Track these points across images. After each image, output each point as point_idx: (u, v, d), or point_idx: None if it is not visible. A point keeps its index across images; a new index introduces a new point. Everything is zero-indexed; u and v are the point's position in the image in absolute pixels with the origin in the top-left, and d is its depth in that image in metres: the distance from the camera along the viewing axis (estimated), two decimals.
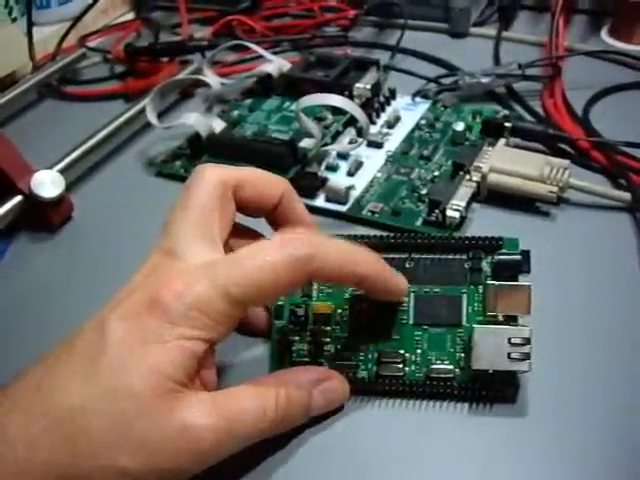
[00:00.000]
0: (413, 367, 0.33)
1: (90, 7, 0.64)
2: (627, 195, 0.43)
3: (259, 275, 0.28)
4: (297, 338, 0.34)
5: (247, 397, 0.29)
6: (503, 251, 0.33)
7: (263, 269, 0.28)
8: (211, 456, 0.27)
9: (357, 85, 0.51)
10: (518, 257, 0.33)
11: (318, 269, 0.29)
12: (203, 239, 0.30)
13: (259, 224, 0.35)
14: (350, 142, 0.48)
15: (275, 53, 0.58)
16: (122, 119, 0.52)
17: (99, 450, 0.26)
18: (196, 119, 0.48)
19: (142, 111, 0.51)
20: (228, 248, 0.32)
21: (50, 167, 0.46)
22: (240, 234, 0.33)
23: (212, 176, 0.31)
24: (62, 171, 0.46)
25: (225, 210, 0.31)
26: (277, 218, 0.34)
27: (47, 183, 0.44)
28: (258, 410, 0.29)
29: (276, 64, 0.54)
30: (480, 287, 0.33)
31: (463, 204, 0.41)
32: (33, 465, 0.26)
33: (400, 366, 0.33)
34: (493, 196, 0.44)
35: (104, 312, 0.28)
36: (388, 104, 0.53)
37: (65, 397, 0.26)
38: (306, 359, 0.34)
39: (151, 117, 0.49)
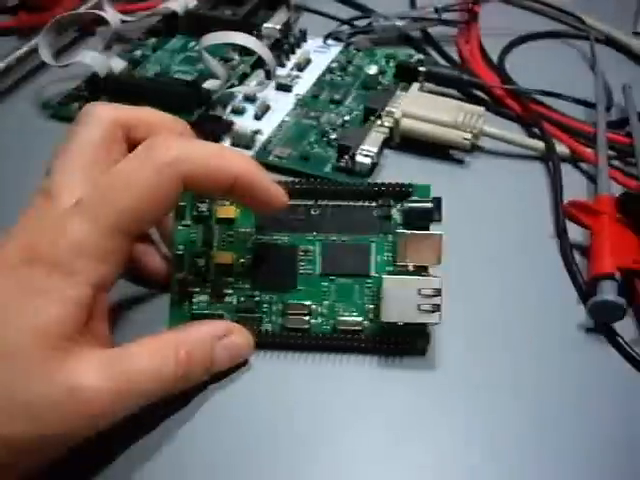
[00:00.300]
0: (320, 319, 0.32)
1: None
2: (541, 144, 0.42)
3: (130, 197, 0.26)
4: (198, 289, 0.32)
5: (143, 355, 0.27)
6: (414, 198, 0.32)
7: (132, 190, 0.26)
8: (102, 420, 0.25)
9: (266, 25, 0.49)
10: (429, 204, 0.31)
11: (189, 171, 0.27)
12: (83, 179, 0.28)
13: None
14: (258, 84, 0.46)
15: None
16: (13, 57, 0.48)
17: None
18: (94, 58, 0.45)
19: (36, 49, 0.47)
20: None
21: None
22: None
23: (100, 115, 0.29)
24: None
25: (112, 151, 0.29)
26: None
27: None
28: (155, 369, 0.27)
29: (182, 1, 0.51)
30: (390, 236, 0.32)
31: (374, 150, 0.40)
32: None
33: (306, 318, 0.31)
34: (406, 142, 0.42)
35: None
36: (298, 46, 0.50)
37: None
38: (207, 312, 0.32)
39: (44, 55, 0.46)
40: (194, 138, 0.30)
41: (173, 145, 0.27)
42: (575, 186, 0.40)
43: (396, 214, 0.32)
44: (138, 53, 0.49)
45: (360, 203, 0.32)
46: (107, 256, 0.26)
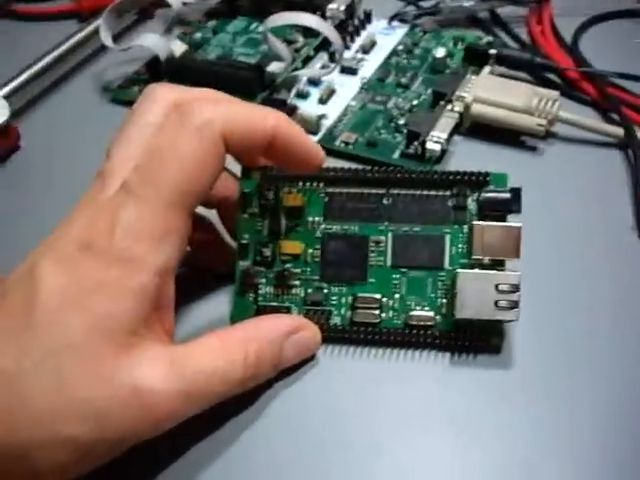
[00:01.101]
0: (390, 313, 0.30)
1: None
2: (619, 130, 0.40)
3: (173, 169, 0.25)
4: (263, 280, 0.31)
5: (210, 355, 0.26)
6: (491, 188, 0.30)
7: (174, 160, 0.25)
8: (166, 422, 0.24)
9: (330, 6, 0.48)
10: (507, 195, 0.30)
11: (226, 128, 0.26)
12: None
13: None
14: (322, 67, 0.44)
15: None
16: (74, 40, 0.48)
17: (39, 419, 0.23)
18: (154, 41, 0.44)
19: (96, 32, 0.47)
20: None
21: None
22: None
23: (163, 97, 0.28)
24: (7, 97, 0.42)
25: None
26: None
27: None
28: (223, 371, 0.26)
29: None
30: (465, 227, 0.30)
31: (444, 136, 0.38)
32: None
33: (376, 312, 0.30)
34: (476, 128, 0.41)
35: (34, 257, 0.25)
36: (363, 28, 0.49)
37: None
38: (273, 304, 0.31)
39: (105, 38, 0.45)
40: (228, 99, 0.29)
41: (205, 106, 0.26)
42: None
43: (472, 204, 0.30)
44: (199, 36, 0.49)
45: (434, 192, 0.31)
46: (165, 236, 0.25)
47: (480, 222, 0.29)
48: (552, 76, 0.45)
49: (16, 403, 0.22)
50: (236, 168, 0.31)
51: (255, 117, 0.27)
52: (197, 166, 0.25)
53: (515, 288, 0.28)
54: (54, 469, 0.23)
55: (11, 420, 0.22)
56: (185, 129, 0.26)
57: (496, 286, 0.28)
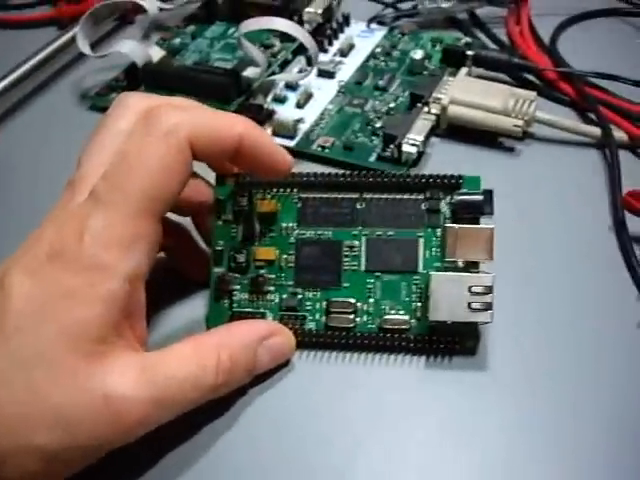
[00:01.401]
0: (365, 317, 0.30)
1: None
2: (597, 130, 0.41)
3: (141, 176, 0.25)
4: (238, 287, 0.31)
5: (182, 362, 0.26)
6: (463, 190, 0.30)
7: (141, 167, 0.25)
8: (137, 429, 0.24)
9: (307, 9, 0.48)
10: (480, 197, 0.30)
11: (192, 134, 0.26)
12: None
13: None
14: (300, 71, 0.45)
15: None
16: (52, 48, 0.48)
17: (9, 428, 0.23)
18: (132, 47, 0.44)
19: (74, 39, 0.47)
20: None
21: None
22: None
23: (135, 105, 0.28)
24: None
25: None
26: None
27: None
28: (196, 377, 0.26)
29: None
30: (438, 230, 0.30)
31: (421, 138, 0.38)
32: None
33: (351, 317, 0.30)
34: (454, 130, 0.41)
35: (5, 266, 0.25)
36: (341, 31, 0.49)
37: None
38: (248, 310, 0.31)
39: (82, 45, 0.45)
40: (195, 105, 0.29)
41: (171, 113, 0.26)
42: (634, 175, 0.38)
43: (445, 207, 0.30)
44: (177, 41, 0.49)
45: (407, 196, 0.31)
46: (134, 243, 0.25)
47: (453, 225, 0.29)
48: (530, 77, 0.45)
49: None
50: (210, 176, 0.31)
51: (222, 123, 0.27)
52: (164, 172, 0.25)
53: (488, 290, 0.28)
54: (23, 478, 0.23)
55: None
56: (151, 135, 0.26)
57: (469, 288, 0.28)
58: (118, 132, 0.27)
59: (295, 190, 0.31)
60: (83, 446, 0.23)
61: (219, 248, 0.31)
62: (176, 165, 0.26)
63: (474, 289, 0.28)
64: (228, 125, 0.27)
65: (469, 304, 0.28)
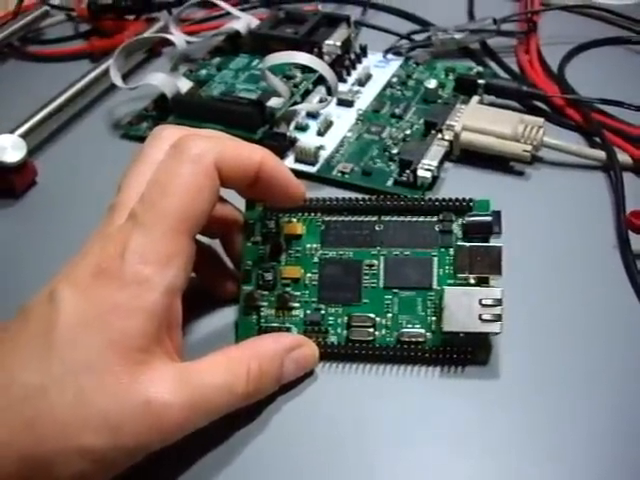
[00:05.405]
0: (384, 331, 0.32)
1: None
2: (602, 154, 0.42)
3: (172, 197, 0.27)
4: (265, 303, 0.33)
5: (216, 371, 0.28)
6: (474, 212, 0.32)
7: (173, 189, 0.27)
8: (175, 433, 0.27)
9: (327, 42, 0.50)
10: (489, 218, 0.32)
11: (218, 159, 0.28)
12: None
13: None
14: (320, 101, 0.47)
15: (243, 10, 0.56)
16: (86, 80, 0.50)
17: (61, 431, 0.25)
18: (161, 79, 0.47)
19: (107, 71, 0.49)
20: None
21: (11, 131, 0.44)
22: None
23: (169, 136, 0.30)
24: (24, 135, 0.44)
25: None
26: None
27: (8, 147, 0.42)
28: (228, 385, 0.28)
29: (244, 21, 0.53)
30: (451, 249, 0.32)
31: (435, 164, 0.40)
32: None
33: (370, 330, 0.32)
34: (466, 155, 0.43)
35: (53, 283, 0.27)
36: (359, 61, 0.51)
37: (23, 375, 0.25)
38: (275, 324, 0.33)
39: (115, 78, 0.48)
40: (221, 135, 0.32)
41: (198, 140, 0.28)
42: (638, 195, 0.40)
43: (457, 228, 0.33)
44: (203, 72, 0.51)
45: (422, 218, 0.33)
46: (171, 259, 0.27)
47: (464, 244, 0.31)
48: (539, 103, 0.47)
49: (40, 416, 0.25)
50: (240, 202, 0.34)
51: (244, 151, 0.30)
52: (194, 193, 0.28)
53: (498, 302, 0.30)
54: (74, 478, 0.25)
55: (37, 432, 0.24)
56: (182, 162, 0.28)
57: (480, 301, 0.30)
58: (154, 161, 0.29)
59: (319, 214, 0.34)
60: (126, 447, 0.25)
61: (248, 267, 0.34)
62: (205, 187, 0.28)
63: (484, 301, 0.30)
64: (250, 152, 0.30)
65: (480, 316, 0.30)
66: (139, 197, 0.28)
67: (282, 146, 0.43)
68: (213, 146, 0.29)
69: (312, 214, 0.34)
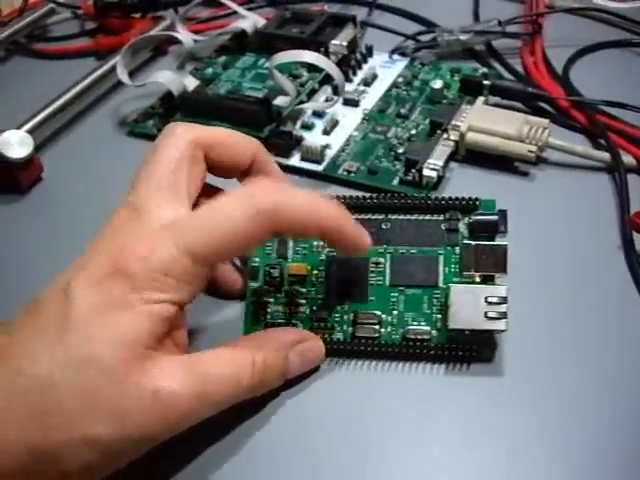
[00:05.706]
0: (389, 328, 0.33)
1: None
2: (606, 155, 0.42)
3: (222, 231, 0.27)
4: (272, 300, 0.34)
5: (221, 362, 0.28)
6: (480, 211, 0.33)
7: (225, 224, 0.27)
8: (182, 422, 0.27)
9: (333, 42, 0.50)
10: (495, 217, 0.32)
11: (282, 221, 0.28)
12: (169, 196, 0.29)
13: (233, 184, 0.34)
14: (326, 100, 0.47)
15: (250, 9, 0.57)
16: (93, 77, 0.50)
17: (69, 422, 0.25)
18: (168, 77, 0.47)
19: (113, 69, 0.50)
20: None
21: (18, 127, 0.44)
22: (211, 195, 0.32)
23: (182, 135, 0.30)
24: (30, 131, 0.45)
25: (194, 170, 0.30)
26: (250, 179, 0.33)
27: (15, 144, 0.43)
28: (233, 376, 0.28)
29: (250, 20, 0.53)
30: (457, 248, 0.33)
31: (440, 163, 0.41)
32: (1, 441, 0.25)
33: (376, 327, 0.32)
34: (471, 155, 0.43)
35: (68, 277, 0.27)
36: (365, 61, 0.51)
37: (32, 367, 0.25)
38: (281, 321, 0.33)
39: (122, 75, 0.48)
40: (288, 186, 0.32)
41: (276, 193, 0.28)
42: None
43: (463, 227, 0.33)
44: (210, 71, 0.51)
45: (428, 217, 0.33)
46: (192, 280, 0.27)
47: (470, 242, 0.31)
48: (544, 105, 0.47)
49: (49, 407, 0.25)
50: None
51: (311, 217, 0.29)
52: (243, 241, 0.28)
53: (503, 300, 0.30)
54: (82, 469, 0.25)
55: (44, 424, 0.25)
56: (248, 207, 0.27)
57: (485, 298, 0.30)
58: (169, 159, 0.30)
59: None
60: (134, 437, 0.26)
61: (255, 264, 0.34)
62: (256, 239, 0.28)
63: (490, 299, 0.30)
64: (317, 218, 0.29)
65: (485, 313, 0.30)
66: (192, 213, 0.28)
67: (288, 144, 0.44)
68: (282, 208, 0.28)
69: None
